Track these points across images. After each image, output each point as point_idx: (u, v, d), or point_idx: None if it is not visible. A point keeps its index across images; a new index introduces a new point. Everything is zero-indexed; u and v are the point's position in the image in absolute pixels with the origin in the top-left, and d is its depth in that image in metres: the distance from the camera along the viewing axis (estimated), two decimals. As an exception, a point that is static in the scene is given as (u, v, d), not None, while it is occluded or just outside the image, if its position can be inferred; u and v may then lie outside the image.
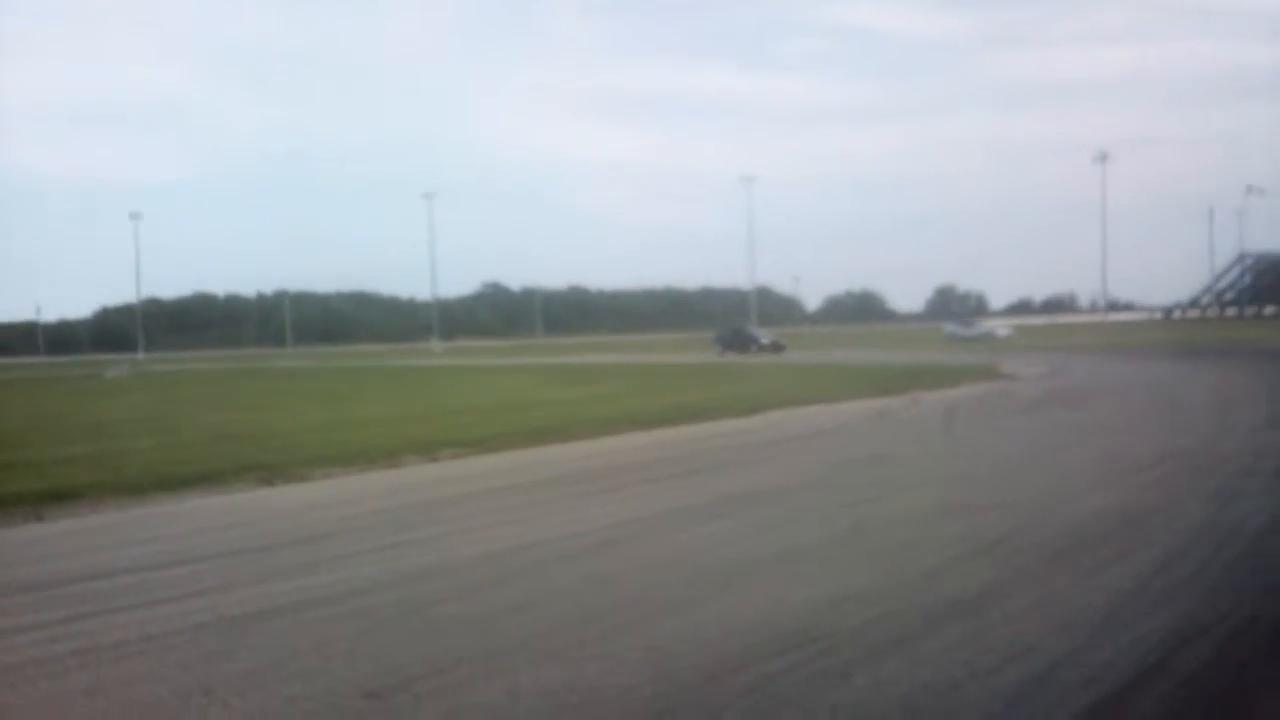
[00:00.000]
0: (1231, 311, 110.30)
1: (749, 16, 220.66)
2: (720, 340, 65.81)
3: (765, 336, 65.27)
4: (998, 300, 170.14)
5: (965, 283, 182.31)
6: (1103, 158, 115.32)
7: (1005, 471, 13.29)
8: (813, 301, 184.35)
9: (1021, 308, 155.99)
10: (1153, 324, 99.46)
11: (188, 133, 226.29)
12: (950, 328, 79.75)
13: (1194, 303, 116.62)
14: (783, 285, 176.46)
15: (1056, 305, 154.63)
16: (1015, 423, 19.50)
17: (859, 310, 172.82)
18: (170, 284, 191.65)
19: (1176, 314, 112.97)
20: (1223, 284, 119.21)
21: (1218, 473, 12.16)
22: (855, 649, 6.12)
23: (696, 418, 20.59)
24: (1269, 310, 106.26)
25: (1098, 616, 6.63)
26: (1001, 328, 78.72)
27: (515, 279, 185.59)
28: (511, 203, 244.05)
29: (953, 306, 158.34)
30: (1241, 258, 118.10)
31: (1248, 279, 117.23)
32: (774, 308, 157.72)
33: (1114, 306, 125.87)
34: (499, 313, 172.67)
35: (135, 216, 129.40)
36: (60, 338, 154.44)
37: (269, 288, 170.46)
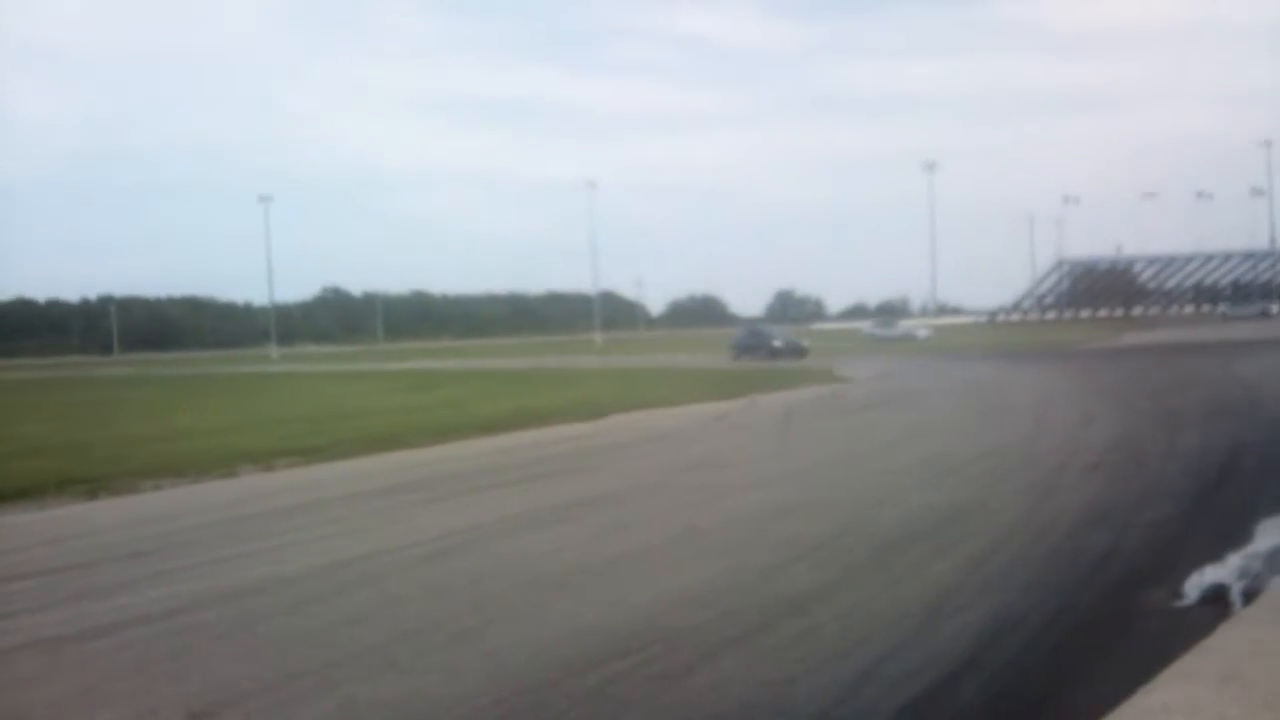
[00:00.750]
0: (1051, 315, 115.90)
1: (580, 21, 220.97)
2: (739, 345, 51.37)
3: (779, 338, 51.82)
4: (834, 304, 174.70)
5: (804, 287, 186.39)
6: (930, 166, 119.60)
7: (835, 471, 13.67)
8: (656, 306, 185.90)
9: (856, 311, 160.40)
10: (978, 327, 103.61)
11: (3, 131, 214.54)
12: (870, 329, 79.67)
13: (1016, 306, 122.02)
14: (627, 290, 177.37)
15: (890, 309, 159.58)
16: (847, 423, 20.08)
17: (701, 314, 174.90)
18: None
19: (1000, 317, 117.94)
20: (1043, 288, 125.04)
21: (1034, 469, 12.76)
22: (692, 649, 6.23)
23: (540, 423, 20.55)
24: (1085, 313, 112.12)
25: (921, 611, 6.89)
26: (921, 329, 76.79)
27: (356, 284, 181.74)
28: (351, 206, 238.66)
29: (790, 311, 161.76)
30: (1060, 264, 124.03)
31: (1066, 284, 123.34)
32: (618, 312, 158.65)
33: (943, 310, 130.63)
34: (340, 318, 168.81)
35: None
36: None
37: (94, 292, 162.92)
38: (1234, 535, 8.50)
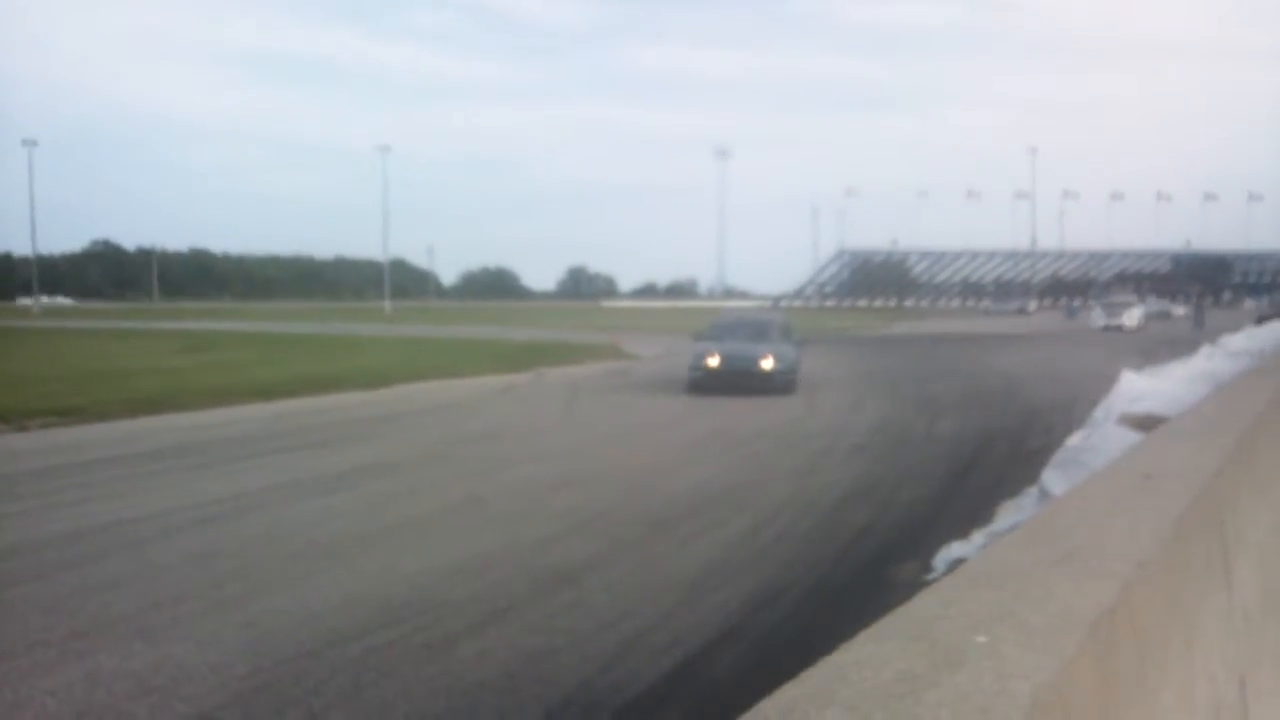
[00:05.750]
0: (831, 302, 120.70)
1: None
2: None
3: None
4: (625, 283, 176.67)
5: (595, 264, 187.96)
6: (722, 153, 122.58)
7: (616, 446, 13.90)
8: (448, 276, 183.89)
9: (647, 291, 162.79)
10: (762, 311, 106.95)
11: None
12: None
13: (799, 293, 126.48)
14: (418, 258, 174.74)
15: (678, 290, 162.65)
16: (632, 400, 20.40)
17: (494, 287, 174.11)
18: None
19: (784, 303, 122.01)
20: (824, 276, 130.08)
21: (802, 450, 13.31)
22: (461, 619, 6.24)
23: (321, 389, 20.04)
24: (862, 302, 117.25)
25: (687, 583, 7.11)
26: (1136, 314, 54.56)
27: (130, 238, 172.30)
28: (127, 157, 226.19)
29: (582, 288, 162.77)
30: (840, 253, 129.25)
31: (846, 273, 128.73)
32: (409, 281, 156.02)
33: (730, 293, 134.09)
34: (110, 274, 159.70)
35: None
36: None
37: None
38: (979, 514, 9.09)
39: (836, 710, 1.29)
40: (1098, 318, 53.59)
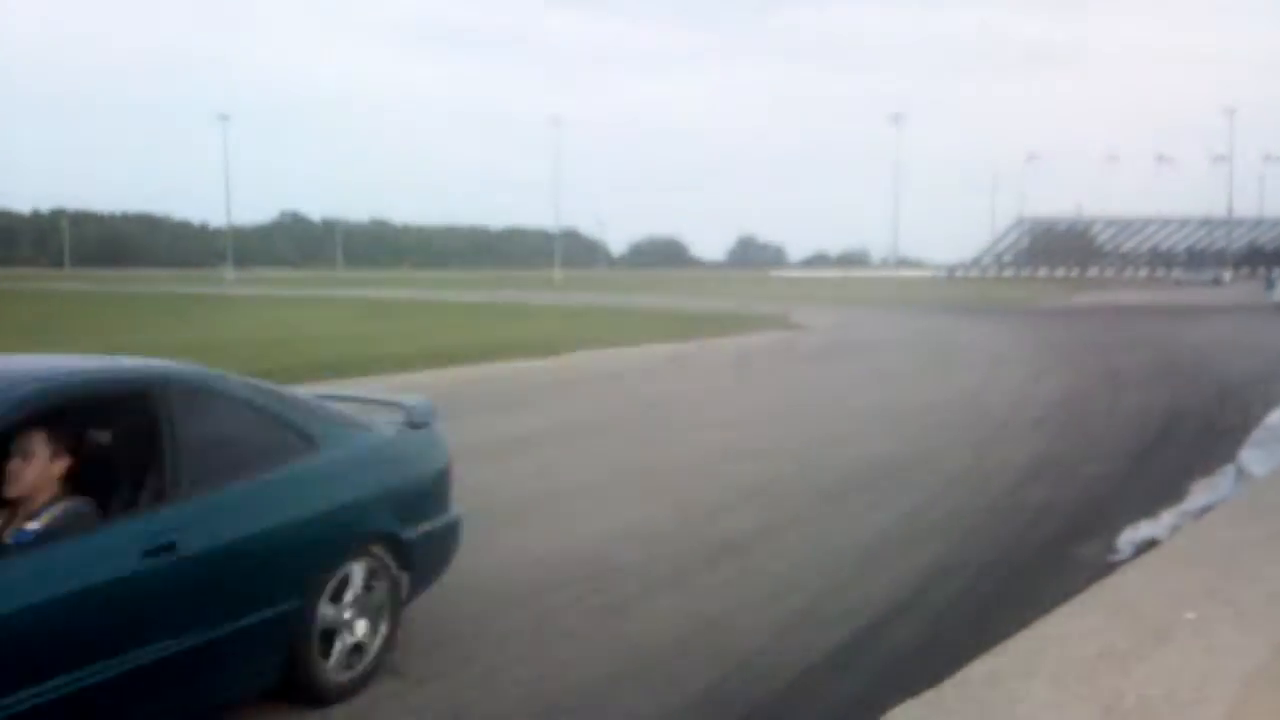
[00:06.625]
0: (1009, 272, 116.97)
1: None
2: None
3: None
4: (795, 252, 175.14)
5: (765, 234, 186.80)
6: (897, 118, 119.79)
7: (785, 416, 13.81)
8: (617, 246, 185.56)
9: (817, 260, 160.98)
10: (937, 281, 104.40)
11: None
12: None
13: (975, 262, 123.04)
14: (588, 229, 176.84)
15: (850, 260, 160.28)
16: (800, 371, 20.24)
17: (663, 256, 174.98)
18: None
19: (959, 273, 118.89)
20: (1002, 245, 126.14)
21: (980, 424, 12.96)
22: (634, 583, 6.32)
23: (496, 356, 20.50)
24: (1042, 272, 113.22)
25: (860, 556, 7.03)
26: None
27: (315, 209, 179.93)
28: (313, 130, 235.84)
29: (751, 257, 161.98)
30: (1020, 221, 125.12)
31: (1025, 242, 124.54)
32: (579, 250, 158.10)
33: (904, 263, 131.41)
34: (297, 243, 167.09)
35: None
36: None
37: (46, 205, 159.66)
38: (1168, 493, 8.70)
39: (1041, 681, 1.26)
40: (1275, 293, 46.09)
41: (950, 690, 1.22)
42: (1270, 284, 53.14)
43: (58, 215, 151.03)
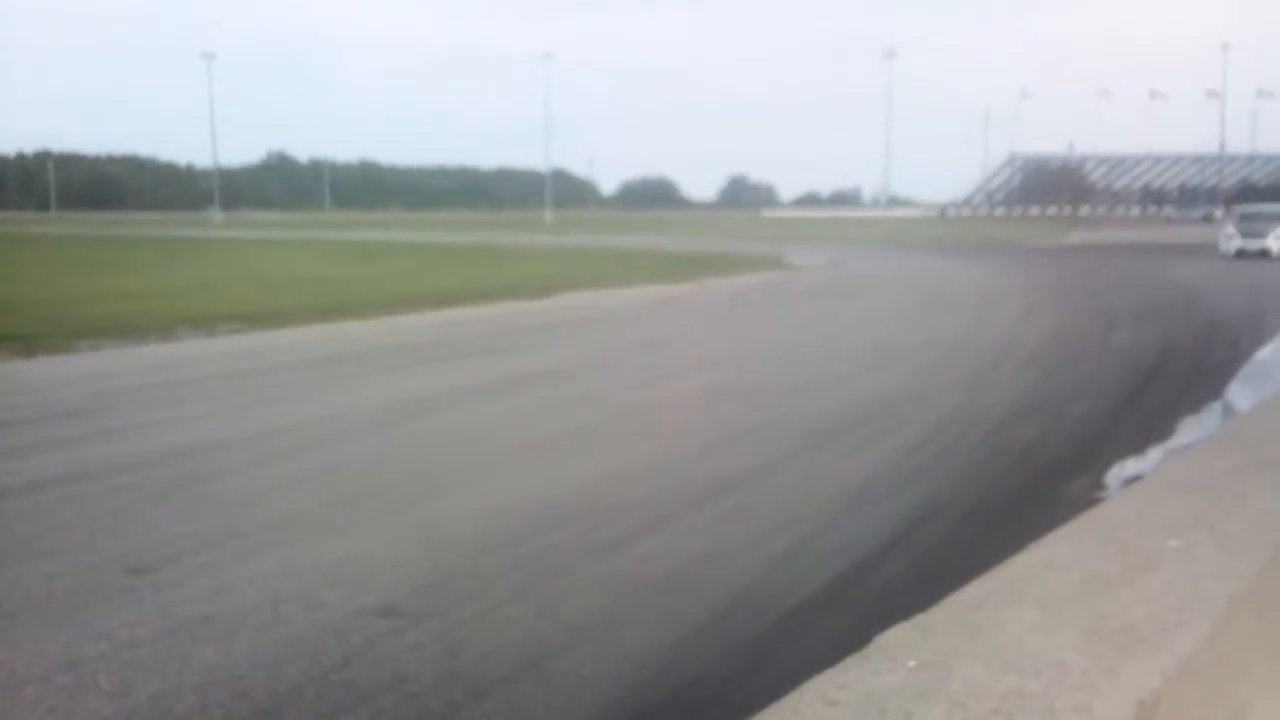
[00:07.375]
0: (1001, 210, 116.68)
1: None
2: None
3: None
4: (786, 192, 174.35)
5: (756, 174, 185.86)
6: (888, 55, 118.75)
7: (777, 357, 13.85)
8: (608, 186, 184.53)
9: (808, 200, 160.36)
10: (929, 220, 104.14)
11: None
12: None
13: (968, 201, 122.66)
14: (579, 169, 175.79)
15: (841, 199, 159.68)
16: (789, 310, 20.25)
17: (654, 197, 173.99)
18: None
19: (951, 211, 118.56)
20: (994, 184, 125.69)
21: (970, 363, 13.01)
22: (628, 522, 6.37)
23: (487, 298, 20.49)
24: (1034, 210, 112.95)
25: (852, 493, 7.10)
26: None
27: (303, 150, 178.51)
28: (299, 70, 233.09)
29: (742, 198, 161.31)
30: (1011, 159, 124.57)
31: (1016, 180, 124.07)
32: (569, 190, 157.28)
33: (895, 202, 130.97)
34: (285, 185, 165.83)
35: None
36: None
37: (30, 147, 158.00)
38: (1157, 430, 8.77)
39: (1027, 606, 1.29)
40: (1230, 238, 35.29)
41: (939, 614, 1.26)
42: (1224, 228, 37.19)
43: (43, 157, 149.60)
